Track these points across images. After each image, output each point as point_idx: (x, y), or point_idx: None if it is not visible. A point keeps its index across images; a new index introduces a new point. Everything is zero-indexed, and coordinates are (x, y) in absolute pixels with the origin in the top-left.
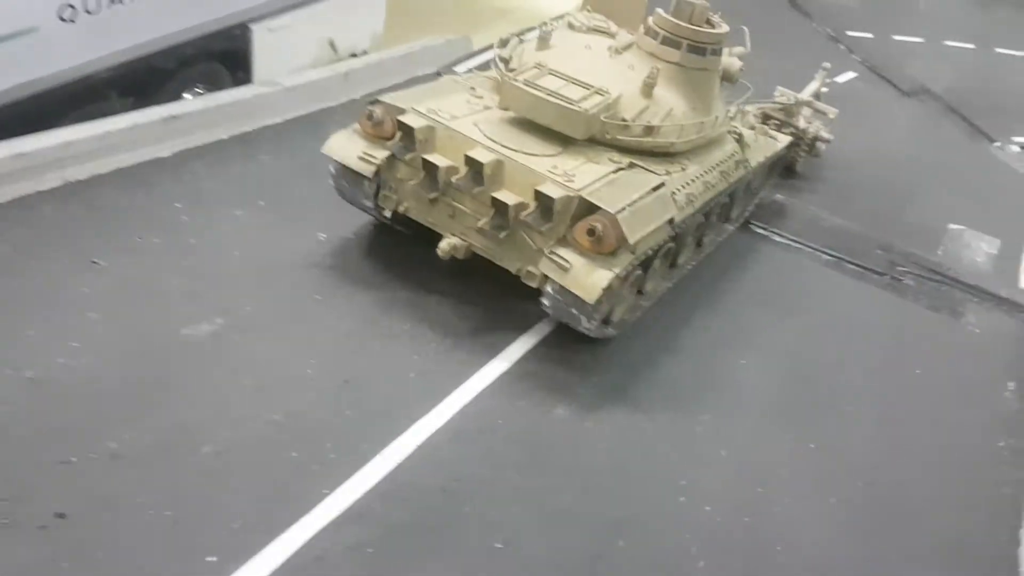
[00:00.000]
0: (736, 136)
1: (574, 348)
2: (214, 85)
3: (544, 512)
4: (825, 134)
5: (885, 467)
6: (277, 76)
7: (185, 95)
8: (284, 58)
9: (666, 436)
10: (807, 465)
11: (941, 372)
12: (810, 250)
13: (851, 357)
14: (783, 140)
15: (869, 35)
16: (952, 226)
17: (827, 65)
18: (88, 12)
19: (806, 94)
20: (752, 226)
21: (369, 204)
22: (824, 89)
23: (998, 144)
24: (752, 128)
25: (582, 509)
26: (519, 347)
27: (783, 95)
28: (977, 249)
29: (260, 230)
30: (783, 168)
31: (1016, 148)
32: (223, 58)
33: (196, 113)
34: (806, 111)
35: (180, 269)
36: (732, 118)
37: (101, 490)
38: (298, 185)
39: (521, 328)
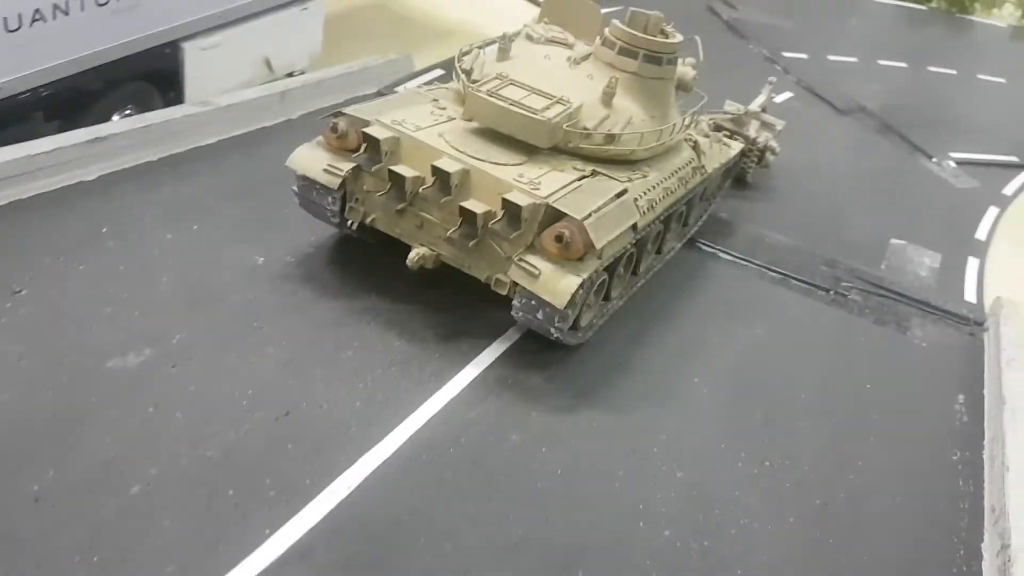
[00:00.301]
0: (692, 144)
1: (526, 370)
2: (144, 106)
3: (501, 543)
4: (774, 144)
5: (840, 484)
6: (210, 96)
7: (114, 116)
8: (218, 77)
9: (622, 459)
10: (762, 484)
11: (891, 386)
12: (757, 267)
13: (801, 373)
14: (736, 147)
15: (804, 56)
16: (894, 241)
17: (773, 79)
18: (8, 30)
19: (754, 106)
20: (699, 245)
21: (334, 217)
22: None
23: (935, 160)
24: (707, 136)
25: (540, 538)
26: (468, 373)
27: (732, 106)
28: (920, 263)
29: (193, 254)
30: (735, 178)
31: (952, 164)
32: (153, 78)
33: (124, 134)
34: (755, 122)
35: (107, 297)
36: (688, 126)
37: (21, 534)
38: (233, 207)
39: (469, 353)
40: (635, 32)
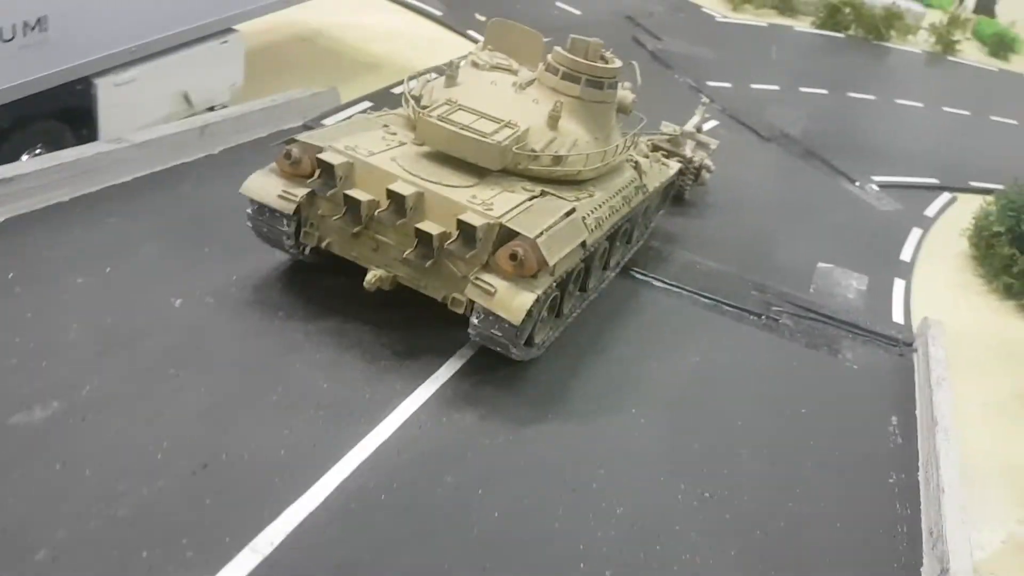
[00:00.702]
0: (633, 164)
1: (461, 408)
2: (55, 144)
3: None
4: (709, 163)
5: (780, 513)
6: (125, 133)
7: (23, 156)
8: (134, 114)
9: (561, 497)
10: (703, 517)
11: (825, 410)
12: (690, 294)
13: (737, 400)
14: (674, 166)
15: (728, 85)
16: (821, 264)
17: (705, 100)
18: None
19: (689, 127)
20: (633, 273)
21: (290, 241)
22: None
23: (858, 184)
24: (646, 156)
25: None
26: (400, 413)
27: (668, 127)
28: (847, 286)
29: (105, 298)
30: (673, 196)
31: (875, 187)
32: (64, 115)
33: (32, 175)
34: (690, 142)
35: (12, 347)
36: (629, 147)
37: None
38: (150, 247)
39: (402, 392)
40: (577, 58)
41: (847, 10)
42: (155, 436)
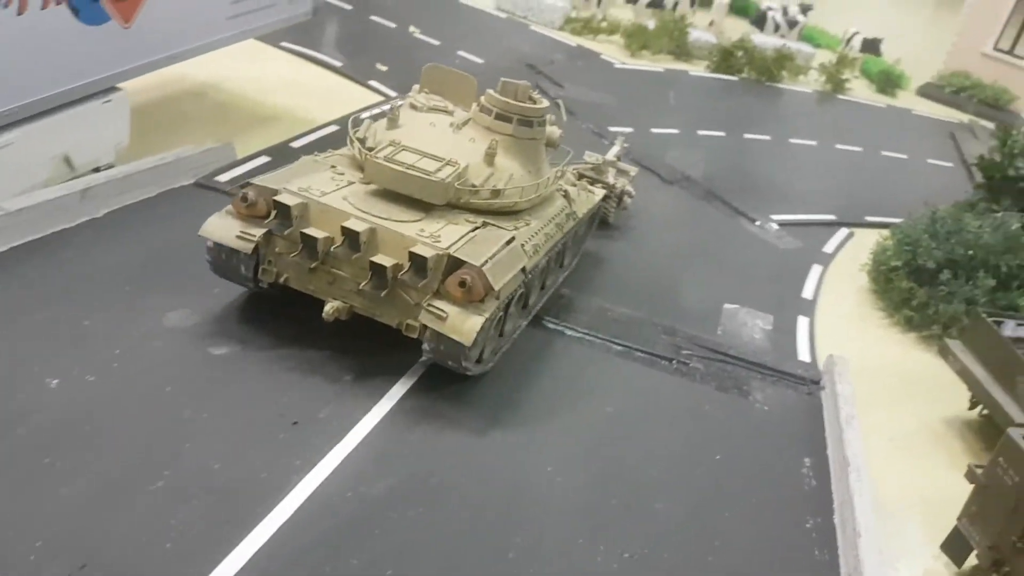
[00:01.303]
0: (563, 193)
1: (368, 480)
2: None
3: None
4: (630, 189)
5: (700, 567)
6: (0, 200)
7: None
8: (10, 179)
9: (478, 571)
10: None
11: (740, 455)
12: (601, 342)
13: (653, 450)
14: (599, 193)
15: (629, 129)
16: (727, 305)
17: (623, 132)
18: None
19: (610, 156)
20: (545, 322)
21: (248, 277)
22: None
23: (759, 223)
24: (574, 185)
25: None
26: (298, 493)
27: (592, 157)
28: (753, 326)
29: None
30: (599, 220)
31: (775, 226)
32: None
33: None
34: (612, 170)
35: None
36: (559, 178)
37: None
38: (26, 322)
39: (300, 468)
40: (508, 100)
41: (739, 53)
42: (28, 534)
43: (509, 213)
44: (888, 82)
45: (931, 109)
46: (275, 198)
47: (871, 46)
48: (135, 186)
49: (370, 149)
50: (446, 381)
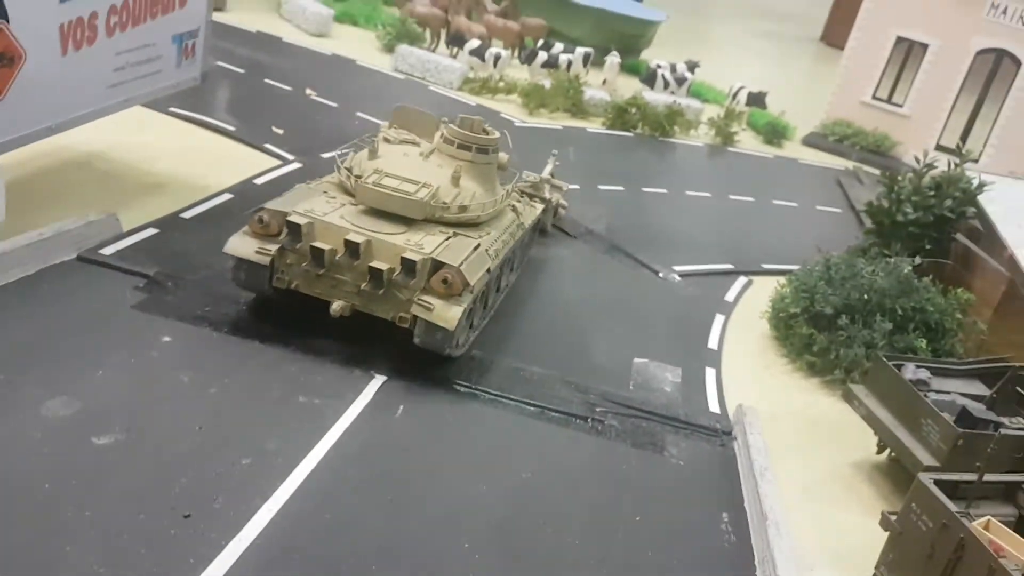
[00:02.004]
0: (512, 207)
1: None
2: None
3: None
4: (564, 202)
5: None
6: None
7: None
8: None
9: None
10: None
11: (658, 514)
12: (515, 403)
13: (571, 516)
14: (540, 206)
15: (556, 151)
16: (637, 360)
17: (555, 151)
18: None
19: (545, 174)
20: (457, 386)
21: (264, 285)
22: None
23: (661, 275)
24: (520, 200)
25: None
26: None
27: (530, 176)
28: (663, 379)
29: None
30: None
31: (677, 277)
32: None
33: None
34: (547, 186)
35: None
36: (509, 195)
37: None
38: None
39: (192, 568)
40: (467, 132)
41: (633, 110)
42: None
43: (472, 225)
44: (775, 133)
45: (817, 157)
46: (288, 219)
47: (756, 99)
48: (12, 264)
49: (358, 177)
50: (351, 460)
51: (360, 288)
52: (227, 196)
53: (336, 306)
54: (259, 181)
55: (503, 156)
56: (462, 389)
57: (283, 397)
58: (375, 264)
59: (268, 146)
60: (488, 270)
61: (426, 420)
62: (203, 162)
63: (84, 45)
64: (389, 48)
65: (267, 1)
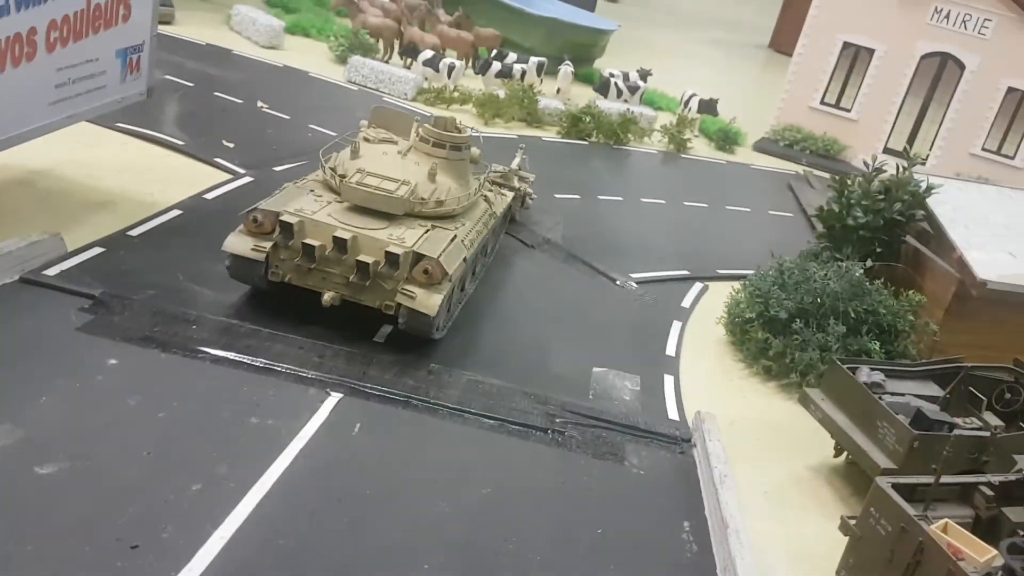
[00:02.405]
0: (485, 198)
1: None
2: None
3: None
4: (531, 191)
5: None
6: None
7: None
8: None
9: None
10: None
11: (621, 526)
12: (474, 416)
13: (533, 530)
14: (509, 195)
15: (523, 145)
16: (596, 369)
17: (523, 145)
18: None
19: (513, 165)
20: (415, 401)
21: (260, 280)
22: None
23: (619, 283)
24: (491, 191)
25: None
26: None
27: (499, 167)
28: (623, 388)
29: None
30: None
31: (634, 284)
32: None
33: None
34: (516, 177)
35: None
36: (481, 187)
37: None
38: None
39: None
40: (442, 131)
41: (587, 119)
42: None
43: (449, 217)
44: (726, 139)
45: (768, 162)
46: (280, 219)
47: (708, 106)
48: None
49: (342, 176)
50: (306, 482)
51: (348, 280)
52: (176, 212)
53: (327, 296)
54: (209, 196)
55: (475, 151)
56: (420, 404)
57: (235, 419)
58: (362, 258)
59: (218, 160)
60: (464, 259)
61: (384, 438)
62: (151, 178)
63: (23, 61)
64: (342, 59)
65: (216, 14)
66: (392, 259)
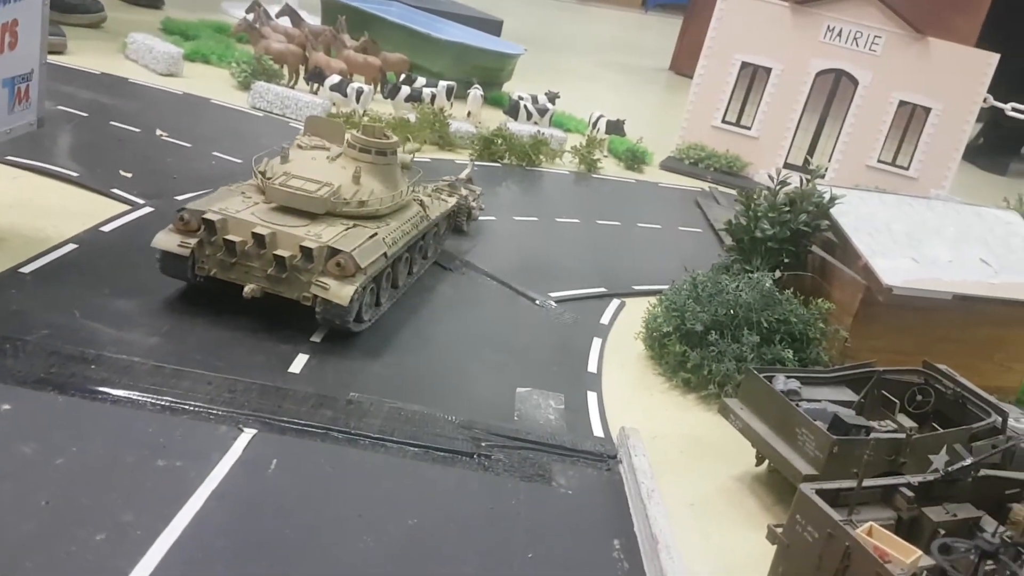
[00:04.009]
0: (420, 202)
1: None
2: None
3: None
4: (475, 204)
5: None
6: None
7: None
8: None
9: None
10: None
11: (551, 548)
12: (397, 445)
13: (462, 561)
14: (452, 201)
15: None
16: (520, 389)
17: (472, 157)
18: None
19: (463, 176)
20: (334, 433)
21: (188, 274)
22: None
23: (538, 302)
24: (429, 196)
25: None
26: None
27: (448, 177)
28: (547, 407)
29: None
30: (454, 229)
31: (553, 303)
32: None
33: None
34: (464, 188)
35: None
36: (413, 191)
37: None
38: None
39: None
40: (367, 138)
41: (499, 141)
42: None
43: (373, 218)
44: (634, 159)
45: (675, 180)
46: (204, 217)
47: (615, 127)
48: None
49: (269, 179)
50: (219, 526)
51: (268, 273)
52: (71, 247)
53: (247, 289)
54: (107, 228)
55: (405, 157)
56: (340, 436)
57: (140, 462)
58: (279, 252)
59: (116, 191)
60: (385, 255)
61: (302, 473)
62: (44, 212)
63: None
64: (245, 85)
65: (111, 43)
66: (307, 253)
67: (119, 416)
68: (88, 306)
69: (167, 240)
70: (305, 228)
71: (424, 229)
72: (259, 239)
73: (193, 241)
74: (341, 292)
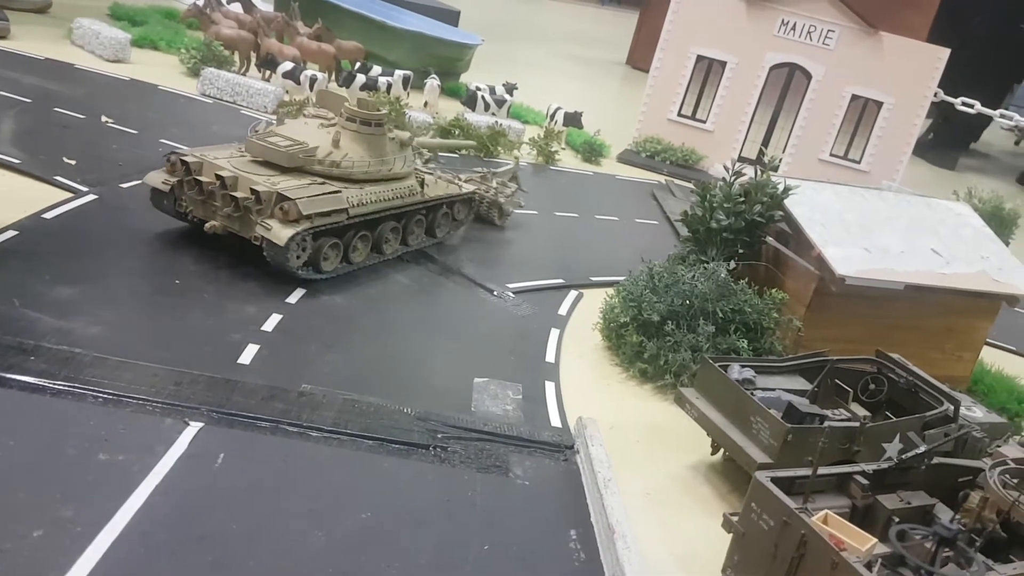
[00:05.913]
0: (420, 180)
1: None
2: None
3: None
4: (502, 200)
5: None
6: None
7: None
8: None
9: None
10: None
11: (508, 540)
12: (351, 439)
13: (416, 555)
14: (468, 188)
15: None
16: (477, 379)
17: (518, 154)
18: None
19: (500, 171)
20: (285, 427)
21: (171, 209)
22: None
23: (496, 293)
24: (438, 177)
25: None
26: None
27: (479, 171)
28: (505, 398)
29: None
30: (487, 222)
31: (511, 294)
32: None
33: None
34: (495, 184)
35: None
36: (411, 167)
37: None
38: None
39: None
40: (355, 108)
41: (457, 132)
42: None
43: (349, 180)
44: (592, 151)
45: (632, 173)
46: (182, 157)
47: (573, 119)
48: None
49: (256, 134)
50: (163, 522)
51: (227, 213)
52: (11, 233)
53: (208, 225)
54: (49, 215)
55: (402, 134)
56: (291, 429)
57: (80, 456)
58: (234, 193)
59: (59, 178)
60: (347, 212)
61: (251, 468)
62: None
63: None
64: (194, 72)
65: (56, 28)
66: (256, 195)
67: (59, 409)
68: (28, 294)
69: (155, 177)
70: (271, 179)
71: (413, 202)
72: (221, 180)
73: (174, 179)
74: (280, 233)
